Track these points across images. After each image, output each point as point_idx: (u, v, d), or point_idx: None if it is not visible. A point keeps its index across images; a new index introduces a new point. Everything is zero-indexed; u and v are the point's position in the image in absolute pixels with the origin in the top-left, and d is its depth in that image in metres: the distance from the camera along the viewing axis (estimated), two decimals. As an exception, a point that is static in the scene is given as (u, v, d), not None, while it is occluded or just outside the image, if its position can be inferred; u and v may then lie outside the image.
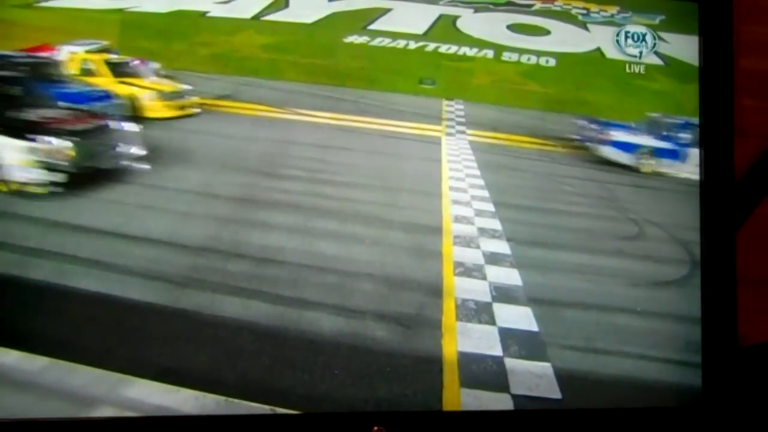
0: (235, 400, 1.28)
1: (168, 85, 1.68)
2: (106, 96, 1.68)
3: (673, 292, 1.48)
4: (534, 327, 1.41)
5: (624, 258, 1.51)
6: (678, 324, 1.45)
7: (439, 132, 1.69)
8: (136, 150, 1.60)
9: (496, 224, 1.58)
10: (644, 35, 1.58)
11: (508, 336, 1.39)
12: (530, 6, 1.60)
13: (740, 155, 1.53)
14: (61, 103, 1.63)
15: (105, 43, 1.64)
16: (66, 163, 1.53)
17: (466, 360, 1.36)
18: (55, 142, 1.51)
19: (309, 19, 1.57)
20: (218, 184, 1.59)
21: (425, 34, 1.61)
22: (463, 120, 1.67)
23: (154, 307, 1.36)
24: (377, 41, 1.59)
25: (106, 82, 1.70)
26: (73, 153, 1.53)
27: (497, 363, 1.36)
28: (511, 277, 1.48)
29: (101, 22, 1.59)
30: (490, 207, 1.60)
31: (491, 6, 1.62)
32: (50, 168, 1.53)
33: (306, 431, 1.31)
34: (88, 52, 1.65)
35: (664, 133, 1.58)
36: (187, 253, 1.45)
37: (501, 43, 1.62)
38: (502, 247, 1.54)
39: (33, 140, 1.52)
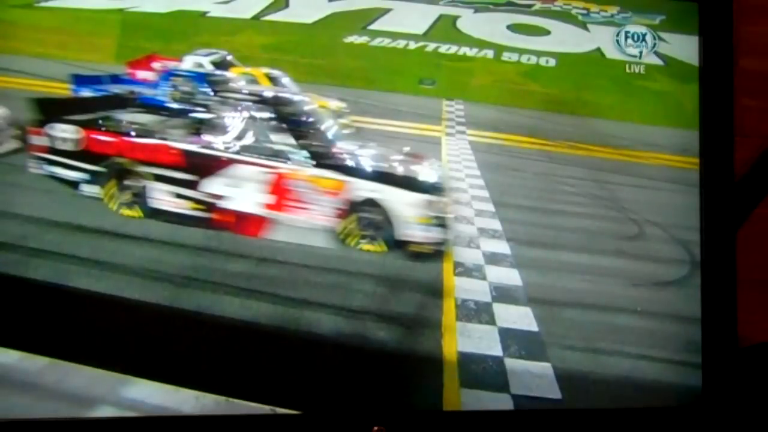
0: (235, 400, 1.28)
1: (336, 104, 1.61)
2: None
3: (673, 292, 1.48)
4: (534, 327, 1.41)
5: (624, 258, 1.51)
6: (678, 324, 1.44)
7: (439, 132, 1.69)
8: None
9: (496, 224, 1.58)
10: (644, 35, 1.58)
11: (508, 336, 1.39)
12: (530, 6, 1.60)
13: (740, 155, 1.52)
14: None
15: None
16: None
17: (466, 360, 1.36)
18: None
19: (309, 19, 1.57)
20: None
21: (425, 34, 1.61)
22: (463, 120, 1.67)
23: (154, 307, 1.36)
24: (377, 41, 1.59)
25: None
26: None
27: (497, 363, 1.36)
28: (511, 277, 1.48)
29: (101, 22, 1.59)
30: (490, 207, 1.60)
31: (491, 6, 1.62)
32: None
33: (306, 431, 1.31)
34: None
35: None
36: (187, 253, 1.45)
37: (501, 44, 1.62)
38: (502, 247, 1.54)
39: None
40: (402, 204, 1.45)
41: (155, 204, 1.54)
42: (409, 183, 1.49)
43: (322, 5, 1.58)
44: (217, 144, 1.53)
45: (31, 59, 1.55)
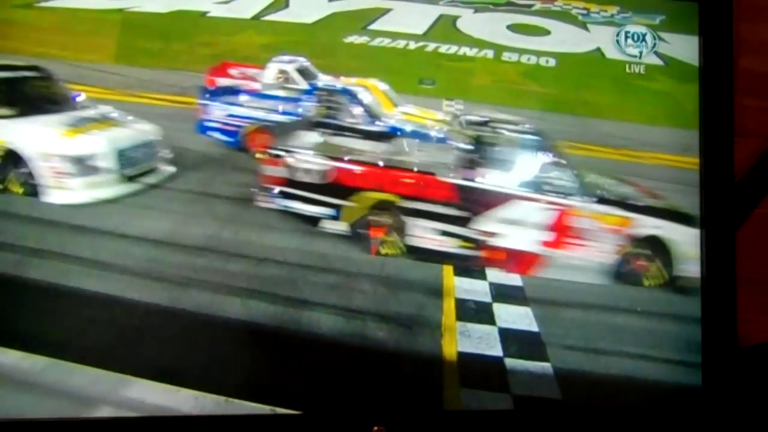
0: (235, 400, 1.28)
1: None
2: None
3: (673, 292, 1.48)
4: (534, 327, 1.41)
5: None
6: (678, 324, 1.44)
7: (440, 132, 1.69)
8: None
9: (496, 224, 1.58)
10: (644, 35, 1.58)
11: (508, 336, 1.39)
12: (530, 6, 1.60)
13: (740, 155, 1.52)
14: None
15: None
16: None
17: (466, 360, 1.36)
18: None
19: (309, 19, 1.57)
20: (217, 184, 1.59)
21: (425, 34, 1.61)
22: (463, 120, 1.66)
23: (154, 307, 1.36)
24: (377, 41, 1.59)
25: (393, 112, 1.58)
26: None
27: (497, 363, 1.36)
28: (511, 277, 1.48)
29: (101, 22, 1.59)
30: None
31: (491, 6, 1.62)
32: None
33: (306, 431, 1.31)
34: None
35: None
36: (187, 253, 1.45)
37: (501, 44, 1.62)
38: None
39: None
40: (685, 240, 1.43)
41: (415, 242, 1.46)
42: (687, 218, 1.46)
43: (322, 5, 1.58)
44: (492, 179, 1.45)
45: (31, 59, 1.56)
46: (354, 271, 1.44)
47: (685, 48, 1.54)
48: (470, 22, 1.61)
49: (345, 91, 1.60)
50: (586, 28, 1.61)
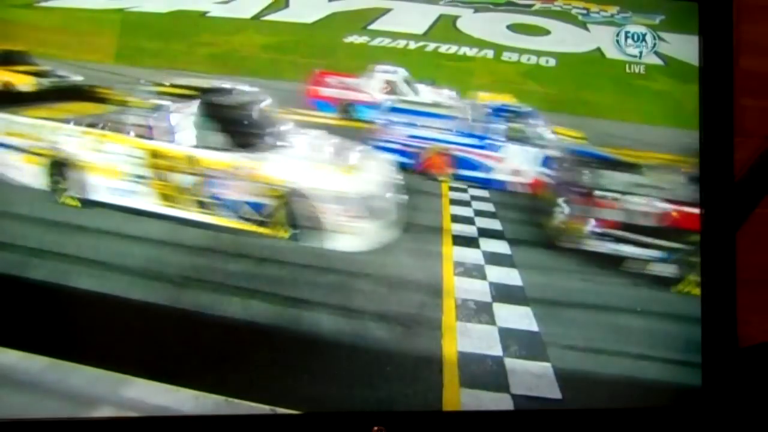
0: (235, 400, 1.28)
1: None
2: None
3: (673, 292, 1.48)
4: (534, 327, 1.41)
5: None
6: (678, 324, 1.45)
7: (440, 132, 1.68)
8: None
9: (496, 224, 1.58)
10: (644, 35, 1.58)
11: (508, 336, 1.39)
12: (530, 6, 1.60)
13: (740, 155, 1.53)
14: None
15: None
16: None
17: (466, 360, 1.36)
18: None
19: (309, 19, 1.57)
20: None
21: (425, 34, 1.61)
22: (463, 120, 1.66)
23: (154, 307, 1.36)
24: (377, 41, 1.59)
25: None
26: None
27: (497, 363, 1.36)
28: (511, 277, 1.48)
29: (101, 22, 1.59)
30: (491, 207, 1.60)
31: (491, 6, 1.62)
32: None
33: (306, 431, 1.31)
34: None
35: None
36: (187, 253, 1.45)
37: (501, 43, 1.62)
38: (502, 247, 1.54)
39: None
40: None
41: None
42: None
43: (322, 5, 1.58)
44: None
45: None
46: (354, 271, 1.44)
47: (685, 48, 1.54)
48: (470, 22, 1.61)
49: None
50: (586, 28, 1.61)
